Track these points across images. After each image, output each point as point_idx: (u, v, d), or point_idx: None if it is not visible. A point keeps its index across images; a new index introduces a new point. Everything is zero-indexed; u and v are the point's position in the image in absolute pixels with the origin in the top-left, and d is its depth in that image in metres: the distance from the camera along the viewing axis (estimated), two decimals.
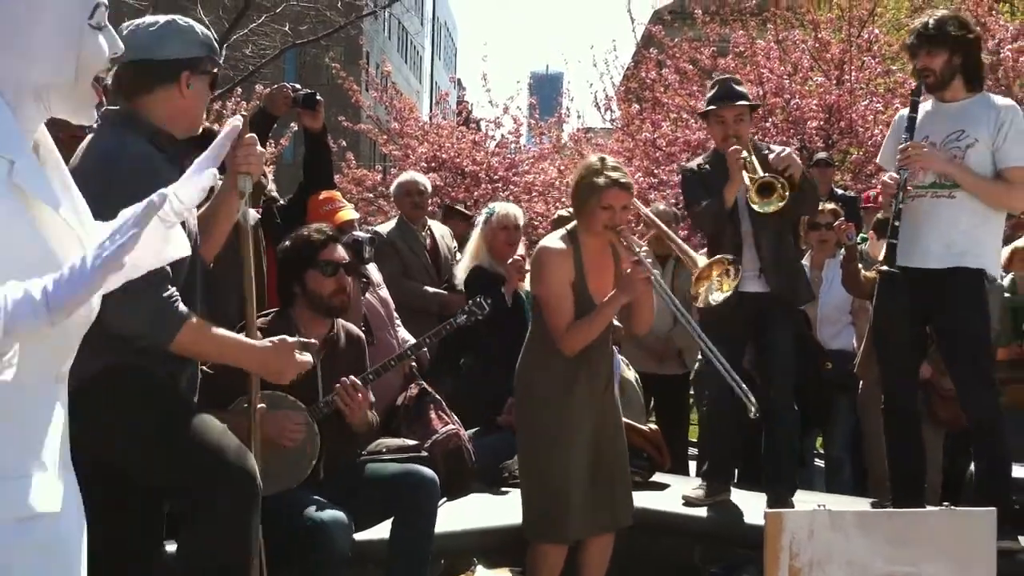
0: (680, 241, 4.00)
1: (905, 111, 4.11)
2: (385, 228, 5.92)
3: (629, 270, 3.47)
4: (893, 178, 3.91)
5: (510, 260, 5.14)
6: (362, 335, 3.77)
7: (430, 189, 6.09)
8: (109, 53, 1.61)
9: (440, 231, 6.08)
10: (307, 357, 2.70)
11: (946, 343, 4.05)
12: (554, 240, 3.67)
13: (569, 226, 3.69)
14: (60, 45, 1.55)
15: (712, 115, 4.36)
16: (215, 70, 2.76)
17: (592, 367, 3.64)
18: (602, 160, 3.62)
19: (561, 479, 3.55)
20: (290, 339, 2.70)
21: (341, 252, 3.58)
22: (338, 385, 3.42)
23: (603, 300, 3.53)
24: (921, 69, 3.92)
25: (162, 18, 2.69)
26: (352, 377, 3.44)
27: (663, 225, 4.09)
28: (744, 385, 3.58)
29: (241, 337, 2.75)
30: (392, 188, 6.28)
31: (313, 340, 2.81)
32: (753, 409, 3.50)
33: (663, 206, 6.61)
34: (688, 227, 10.13)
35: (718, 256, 3.74)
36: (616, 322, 3.95)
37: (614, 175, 3.52)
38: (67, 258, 1.44)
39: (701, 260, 3.71)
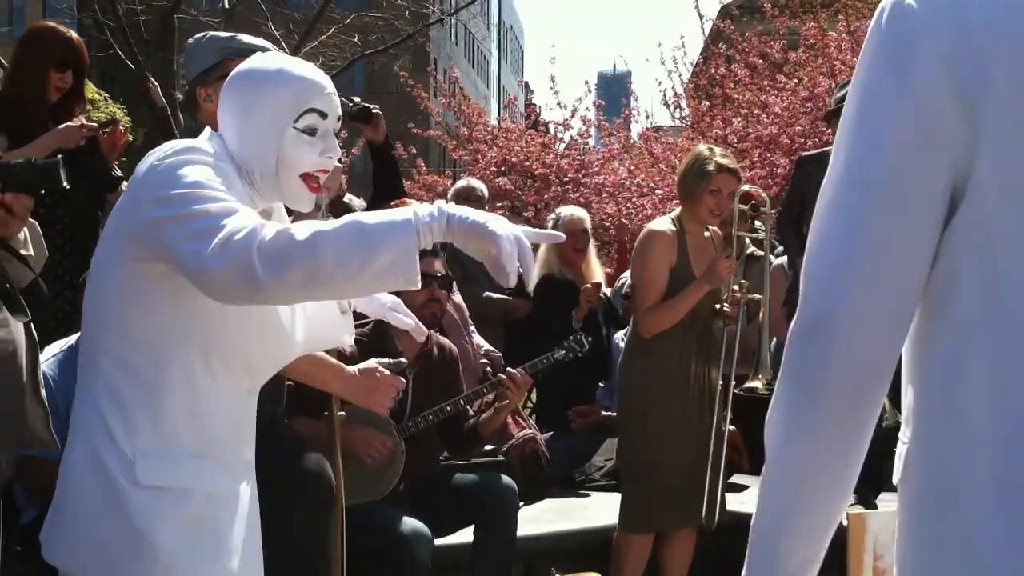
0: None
1: None
2: None
3: (718, 259, 3.53)
4: None
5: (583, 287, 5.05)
6: (455, 351, 3.71)
7: (487, 195, 6.03)
8: (322, 158, 1.78)
9: None
10: (398, 380, 2.46)
11: None
12: (660, 224, 3.71)
13: (674, 212, 3.74)
14: (264, 139, 1.76)
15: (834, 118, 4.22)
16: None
17: (700, 357, 3.60)
18: (711, 149, 3.72)
19: (660, 473, 3.55)
20: (380, 366, 2.44)
21: (435, 264, 3.56)
22: (506, 377, 3.50)
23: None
24: None
25: None
26: (520, 371, 3.53)
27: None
28: None
29: (333, 361, 2.50)
30: (449, 195, 6.22)
31: (404, 360, 2.65)
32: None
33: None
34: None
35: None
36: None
37: (723, 160, 3.61)
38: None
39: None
